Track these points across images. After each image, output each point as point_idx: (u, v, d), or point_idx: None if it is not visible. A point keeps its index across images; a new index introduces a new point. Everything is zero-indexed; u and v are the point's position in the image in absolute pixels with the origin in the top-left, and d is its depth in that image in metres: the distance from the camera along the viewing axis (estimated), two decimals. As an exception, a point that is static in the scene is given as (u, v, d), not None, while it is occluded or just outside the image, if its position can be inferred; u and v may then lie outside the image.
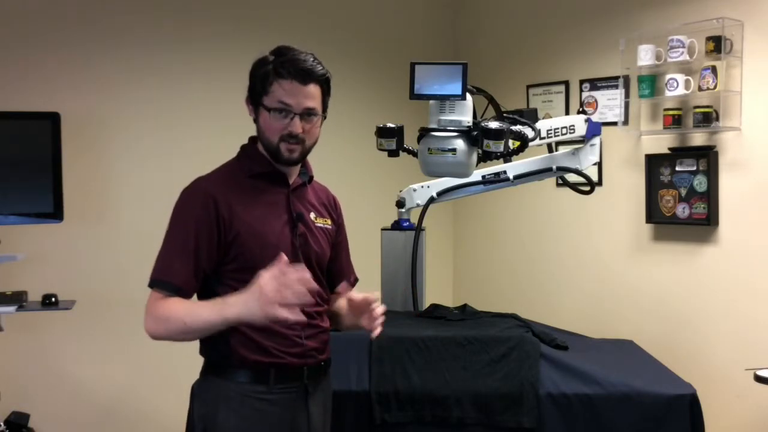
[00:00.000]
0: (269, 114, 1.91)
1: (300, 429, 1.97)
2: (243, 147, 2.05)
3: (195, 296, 1.94)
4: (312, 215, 2.04)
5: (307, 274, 1.71)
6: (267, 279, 1.70)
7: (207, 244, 1.88)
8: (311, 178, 2.10)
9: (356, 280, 2.24)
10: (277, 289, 1.68)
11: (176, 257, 1.88)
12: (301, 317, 1.73)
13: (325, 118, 1.99)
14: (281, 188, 2.00)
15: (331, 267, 2.13)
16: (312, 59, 1.92)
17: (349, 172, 4.34)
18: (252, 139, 2.04)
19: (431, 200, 3.11)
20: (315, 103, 1.92)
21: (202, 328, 1.83)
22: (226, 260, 1.91)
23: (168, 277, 1.87)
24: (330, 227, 2.09)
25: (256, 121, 1.97)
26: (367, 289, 2.25)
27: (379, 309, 1.95)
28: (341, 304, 2.08)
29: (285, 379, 1.94)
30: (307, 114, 1.91)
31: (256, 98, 1.93)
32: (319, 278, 2.03)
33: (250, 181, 1.97)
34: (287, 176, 2.01)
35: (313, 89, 1.91)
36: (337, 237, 2.14)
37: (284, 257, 1.73)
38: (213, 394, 1.94)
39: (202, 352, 1.99)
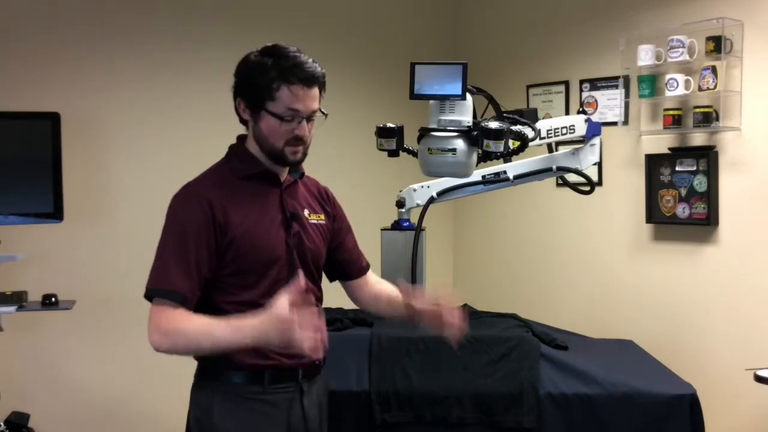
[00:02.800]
0: (278, 121, 1.88)
1: (297, 428, 1.96)
2: (231, 147, 2.02)
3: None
4: (306, 212, 2.03)
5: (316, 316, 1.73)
6: (284, 306, 1.68)
7: (207, 251, 1.85)
8: (302, 174, 2.07)
9: (368, 265, 2.23)
10: (292, 320, 1.67)
11: (176, 266, 1.83)
12: (318, 354, 1.82)
13: (326, 115, 1.97)
14: (273, 188, 1.98)
15: (339, 255, 2.13)
16: (311, 60, 1.90)
17: (349, 172, 4.34)
18: (240, 139, 2.02)
19: (431, 200, 3.11)
20: (318, 103, 1.92)
21: (217, 350, 1.82)
22: (222, 265, 1.88)
23: (171, 287, 1.82)
24: (324, 222, 2.08)
25: (247, 122, 1.94)
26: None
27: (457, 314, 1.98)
28: (390, 296, 2.15)
29: (280, 379, 1.93)
30: (311, 116, 1.91)
31: (256, 102, 1.89)
32: (313, 276, 2.03)
33: (242, 182, 1.94)
34: (279, 175, 1.99)
35: (316, 91, 1.91)
36: (337, 225, 2.13)
37: (302, 277, 1.74)
38: (208, 396, 1.93)
39: (196, 355, 1.98)
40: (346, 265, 2.16)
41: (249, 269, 1.86)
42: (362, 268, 2.21)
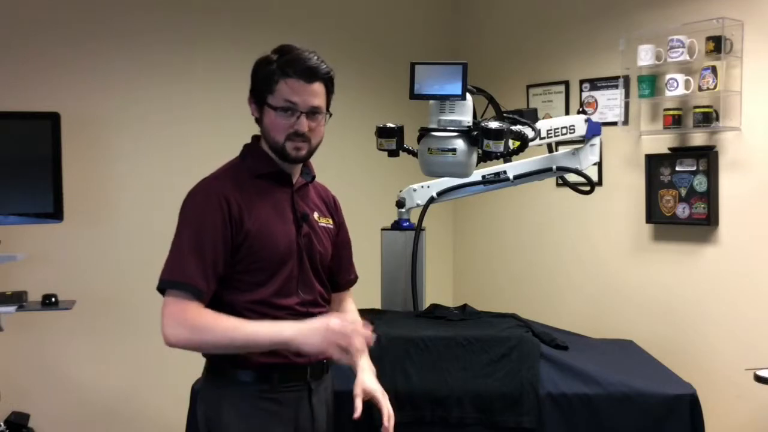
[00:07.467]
0: (275, 113, 1.90)
1: (305, 427, 1.97)
2: (246, 146, 2.04)
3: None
4: (315, 215, 2.04)
5: (369, 333, 1.86)
6: (338, 322, 1.81)
7: (223, 250, 1.86)
8: (313, 177, 2.10)
9: (356, 278, 2.25)
10: (344, 333, 1.80)
11: (193, 261, 1.82)
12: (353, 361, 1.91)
13: (330, 115, 1.99)
14: (285, 188, 2.00)
15: (331, 265, 2.12)
16: (316, 57, 1.92)
17: (349, 172, 4.34)
18: (255, 138, 2.03)
19: (431, 200, 3.11)
20: (320, 101, 1.93)
21: (244, 346, 1.83)
22: (234, 261, 1.89)
23: (189, 280, 1.81)
24: (332, 227, 2.10)
25: (260, 120, 1.96)
26: (367, 290, 2.24)
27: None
28: None
29: (289, 378, 1.94)
30: (312, 112, 1.91)
31: (260, 97, 1.92)
32: (321, 278, 2.04)
33: (256, 181, 1.96)
34: (291, 176, 2.01)
35: (318, 87, 1.92)
36: (338, 236, 2.14)
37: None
38: (217, 395, 1.93)
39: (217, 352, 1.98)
40: (332, 276, 2.15)
41: (261, 266, 1.87)
42: (348, 282, 2.22)
